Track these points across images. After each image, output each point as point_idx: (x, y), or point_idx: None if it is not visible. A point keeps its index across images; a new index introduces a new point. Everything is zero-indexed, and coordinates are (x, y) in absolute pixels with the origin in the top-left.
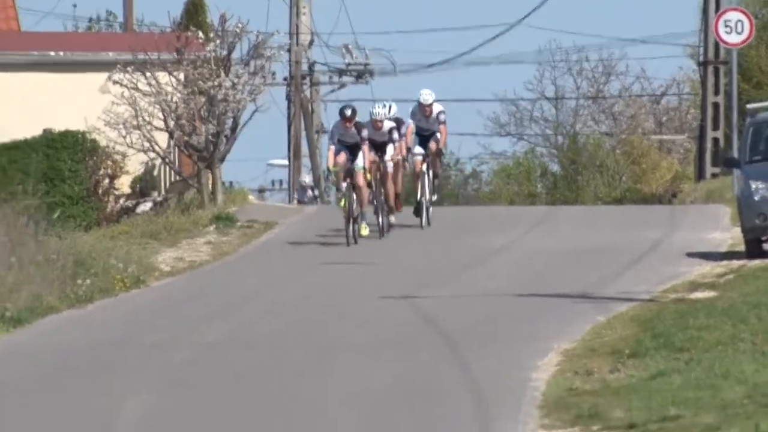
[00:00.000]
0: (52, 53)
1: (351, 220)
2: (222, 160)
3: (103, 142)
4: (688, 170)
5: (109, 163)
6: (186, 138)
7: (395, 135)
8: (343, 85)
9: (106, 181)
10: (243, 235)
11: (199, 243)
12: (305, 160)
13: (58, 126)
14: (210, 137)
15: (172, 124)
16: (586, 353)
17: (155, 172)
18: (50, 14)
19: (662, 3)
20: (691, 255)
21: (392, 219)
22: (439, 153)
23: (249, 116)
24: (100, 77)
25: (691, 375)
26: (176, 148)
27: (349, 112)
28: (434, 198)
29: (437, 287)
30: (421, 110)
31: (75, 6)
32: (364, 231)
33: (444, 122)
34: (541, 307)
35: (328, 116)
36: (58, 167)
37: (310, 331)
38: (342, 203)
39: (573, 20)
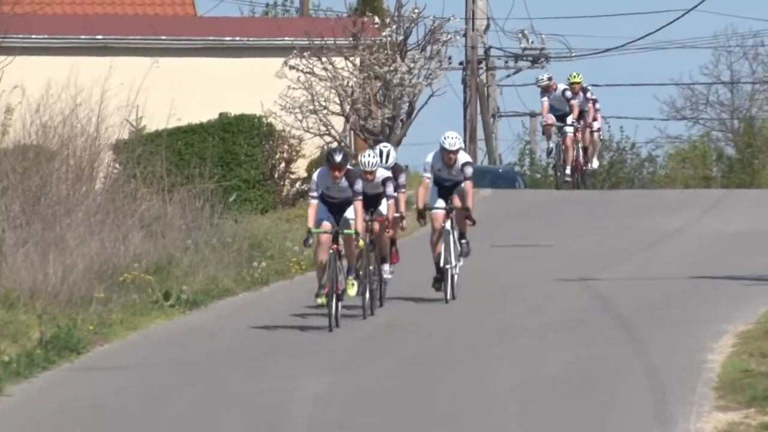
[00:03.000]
0: (228, 38)
1: (335, 297)
2: (398, 143)
3: (279, 127)
4: None
5: (286, 147)
6: (362, 122)
7: (390, 187)
8: (518, 70)
9: (282, 165)
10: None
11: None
12: (480, 144)
13: (234, 110)
14: (386, 121)
15: (348, 108)
16: (761, 335)
17: None
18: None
19: None
20: None
21: (387, 272)
22: (466, 210)
23: (425, 101)
24: (276, 62)
25: None
26: (352, 132)
27: (339, 158)
28: (460, 263)
29: (613, 269)
30: (445, 157)
31: None
32: (351, 291)
33: (471, 178)
34: (716, 289)
35: (504, 101)
36: (234, 151)
37: (484, 315)
38: (321, 299)
39: (749, 5)
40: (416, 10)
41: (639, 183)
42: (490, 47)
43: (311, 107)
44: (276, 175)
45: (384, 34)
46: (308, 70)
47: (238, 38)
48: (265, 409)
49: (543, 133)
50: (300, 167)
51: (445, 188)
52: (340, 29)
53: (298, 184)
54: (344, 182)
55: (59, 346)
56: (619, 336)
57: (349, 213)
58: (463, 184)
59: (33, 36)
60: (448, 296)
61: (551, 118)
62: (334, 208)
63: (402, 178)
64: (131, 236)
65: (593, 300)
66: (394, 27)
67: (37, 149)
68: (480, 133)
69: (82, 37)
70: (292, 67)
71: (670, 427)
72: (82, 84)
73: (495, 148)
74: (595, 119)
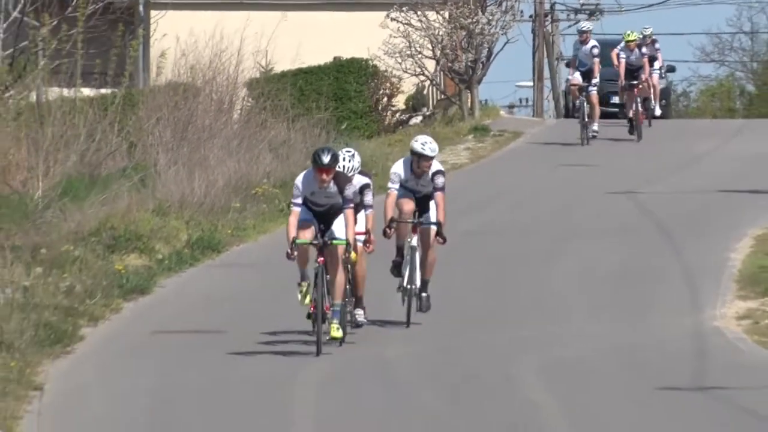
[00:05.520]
0: None
1: (321, 317)
2: (479, 82)
3: (382, 68)
4: None
5: (387, 84)
6: (449, 64)
7: (369, 195)
8: (578, 21)
9: (385, 99)
10: (495, 142)
11: (460, 149)
12: (546, 82)
13: (346, 54)
14: (469, 63)
15: (438, 53)
16: None
17: (425, 92)
18: None
19: None
20: None
21: (361, 316)
22: (437, 225)
23: (501, 47)
24: (380, 15)
25: None
26: (441, 73)
27: (327, 159)
28: (418, 285)
29: (653, 185)
30: (416, 165)
31: None
32: (336, 332)
33: (442, 188)
34: (737, 201)
35: (566, 46)
36: (346, 88)
37: (550, 221)
38: (306, 298)
39: None
40: None
41: (675, 114)
42: (555, 2)
43: (408, 52)
44: (380, 108)
45: None
46: (406, 21)
47: None
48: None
49: (568, 93)
50: (399, 101)
51: (416, 201)
52: None
53: (398, 115)
54: (332, 187)
55: (203, 246)
56: (660, 240)
57: (337, 225)
58: (434, 196)
59: None
60: (411, 318)
61: (577, 78)
62: (320, 217)
63: (369, 197)
64: (261, 157)
65: (638, 210)
66: None
67: (185, 86)
68: (546, 74)
69: None
70: (393, 19)
71: (700, 313)
72: (224, 34)
73: (557, 86)
74: (655, 59)
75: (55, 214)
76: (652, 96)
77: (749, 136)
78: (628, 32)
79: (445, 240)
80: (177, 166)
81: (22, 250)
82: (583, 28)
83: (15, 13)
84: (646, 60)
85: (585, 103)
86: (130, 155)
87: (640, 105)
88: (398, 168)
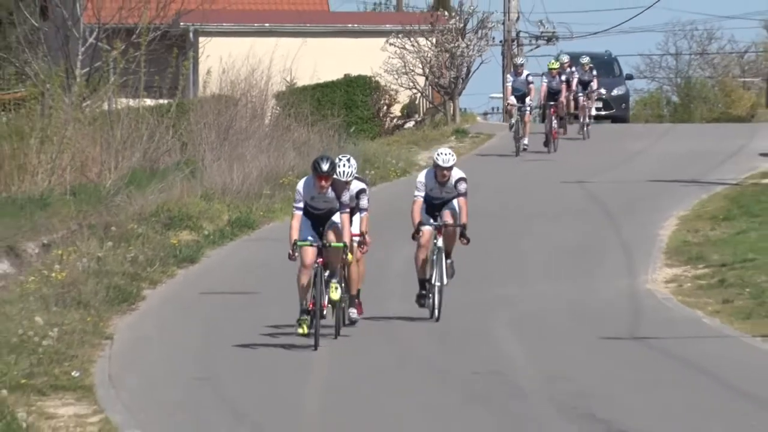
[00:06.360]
0: (350, 25)
1: (320, 314)
2: (459, 94)
3: (382, 83)
4: (761, 100)
5: (387, 96)
6: (436, 80)
7: (364, 200)
8: (538, 46)
9: (385, 108)
10: (473, 142)
11: (444, 147)
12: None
13: (353, 72)
14: (451, 79)
15: (427, 71)
16: (694, 218)
17: (416, 102)
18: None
19: None
20: (762, 155)
21: (354, 314)
22: (462, 227)
23: (477, 66)
24: (381, 41)
25: (763, 232)
26: (430, 87)
27: (326, 167)
28: (446, 282)
29: (599, 176)
30: (439, 174)
31: None
32: (335, 294)
33: (465, 194)
34: (667, 188)
35: (529, 65)
36: (354, 99)
37: (516, 206)
38: (302, 329)
39: (689, 4)
40: (472, 8)
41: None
42: (520, 31)
43: (403, 70)
44: (381, 115)
45: (451, 23)
46: (401, 46)
47: (356, 25)
48: (375, 265)
49: (505, 111)
50: (396, 110)
51: (434, 206)
52: (422, 19)
53: (395, 120)
54: (330, 193)
55: (240, 224)
56: (603, 220)
57: (336, 219)
58: (456, 201)
59: (224, 24)
60: (435, 313)
61: (513, 101)
62: (318, 220)
63: (364, 201)
64: (287, 154)
65: (587, 196)
66: (457, 18)
67: (226, 98)
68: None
69: (256, 25)
70: (391, 44)
71: (635, 278)
72: (257, 56)
73: None
74: (590, 83)
75: (123, 199)
76: (585, 111)
77: (674, 137)
78: (552, 61)
79: (468, 240)
80: (220, 161)
81: (97, 228)
82: (518, 62)
83: (91, 39)
84: (564, 85)
85: (519, 121)
86: (182, 152)
87: (556, 123)
88: (423, 177)
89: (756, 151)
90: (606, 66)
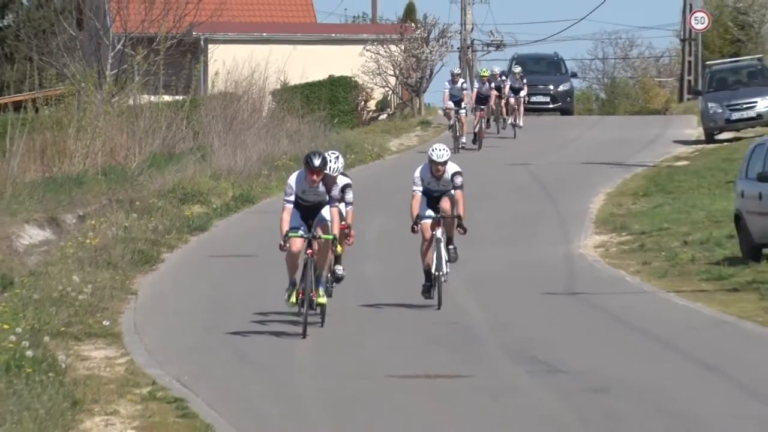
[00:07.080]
0: (334, 35)
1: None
2: (424, 91)
3: (360, 82)
4: (674, 96)
5: (364, 93)
6: (405, 80)
7: (350, 194)
8: (489, 52)
9: (362, 103)
10: (435, 131)
11: (411, 135)
12: (467, 92)
13: (337, 74)
14: (417, 79)
15: (397, 72)
16: (618, 194)
17: (388, 98)
18: (332, 13)
19: (661, 4)
20: (675, 142)
21: (340, 270)
22: (458, 218)
23: (439, 68)
24: (359, 48)
25: (676, 206)
26: (400, 85)
27: (317, 162)
28: (448, 270)
29: (540, 158)
30: (433, 168)
31: (346, 9)
32: (322, 299)
33: (461, 187)
34: (597, 169)
35: (480, 66)
36: (336, 96)
37: (471, 184)
38: (291, 298)
39: (616, 15)
40: (434, 20)
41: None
42: (474, 40)
43: (378, 72)
44: (359, 109)
45: (417, 32)
46: (376, 52)
47: (339, 35)
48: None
49: (444, 114)
50: (371, 104)
51: (434, 198)
52: (394, 30)
53: (370, 113)
54: (321, 187)
55: (243, 199)
56: (543, 195)
57: (325, 213)
58: (453, 193)
59: (229, 33)
60: (437, 301)
61: (450, 105)
62: (307, 211)
63: (350, 195)
64: (281, 141)
65: (529, 176)
66: (422, 29)
67: (230, 95)
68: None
69: (255, 34)
70: (367, 50)
71: (570, 243)
72: (255, 60)
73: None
74: (521, 89)
75: (145, 178)
76: (516, 113)
77: (603, 127)
78: (483, 69)
79: (465, 230)
80: (225, 147)
81: (124, 202)
82: (455, 72)
83: (119, 46)
84: (493, 92)
85: (457, 122)
86: (195, 140)
87: (484, 124)
88: (419, 173)
89: (670, 139)
90: (554, 65)
